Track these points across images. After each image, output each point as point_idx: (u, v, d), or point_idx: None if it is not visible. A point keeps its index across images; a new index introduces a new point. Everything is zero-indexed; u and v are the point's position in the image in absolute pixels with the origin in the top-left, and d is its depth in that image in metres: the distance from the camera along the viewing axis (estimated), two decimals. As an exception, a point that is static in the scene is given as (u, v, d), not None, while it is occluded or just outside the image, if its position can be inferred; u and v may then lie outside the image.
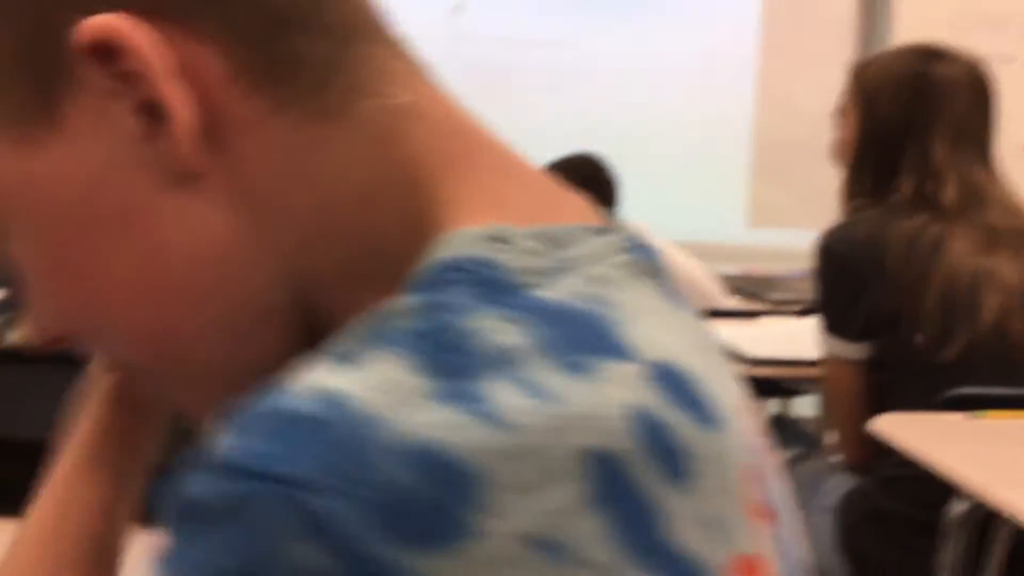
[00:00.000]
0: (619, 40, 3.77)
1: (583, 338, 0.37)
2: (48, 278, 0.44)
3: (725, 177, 3.80)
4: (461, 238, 0.40)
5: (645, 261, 0.43)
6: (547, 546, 0.32)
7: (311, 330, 0.43)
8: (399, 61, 0.45)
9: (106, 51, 0.39)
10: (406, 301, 0.37)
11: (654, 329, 0.39)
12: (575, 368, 0.35)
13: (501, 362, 0.35)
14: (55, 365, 1.00)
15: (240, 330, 0.43)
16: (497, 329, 0.35)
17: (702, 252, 2.78)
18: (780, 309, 2.75)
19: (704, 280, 2.68)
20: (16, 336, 1.06)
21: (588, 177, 2.53)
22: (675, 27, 3.80)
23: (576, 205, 0.46)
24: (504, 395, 0.34)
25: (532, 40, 3.75)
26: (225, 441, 0.34)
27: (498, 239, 0.39)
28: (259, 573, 0.32)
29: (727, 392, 0.41)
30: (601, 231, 0.43)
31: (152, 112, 0.40)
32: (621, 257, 0.42)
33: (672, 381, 0.37)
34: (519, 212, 0.42)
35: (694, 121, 3.74)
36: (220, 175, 0.41)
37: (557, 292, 0.38)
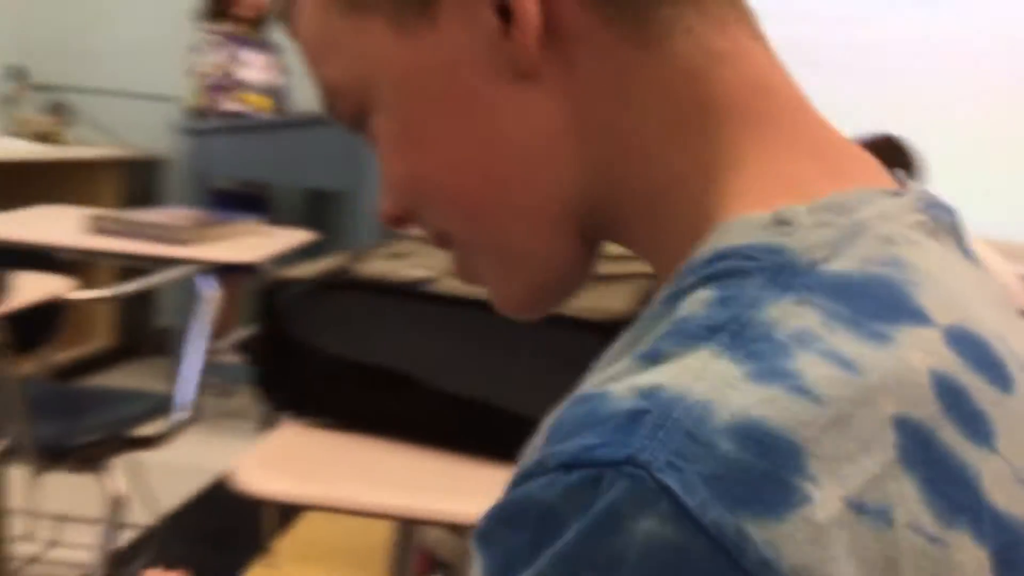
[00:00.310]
0: (921, 22, 3.61)
1: (880, 306, 0.38)
2: (396, 148, 0.49)
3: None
4: (746, 224, 0.41)
5: (940, 219, 0.44)
6: (872, 511, 0.33)
7: (591, 241, 0.49)
8: (725, 7, 0.46)
9: None
10: (701, 297, 0.39)
11: (949, 289, 0.40)
12: (876, 337, 0.36)
13: (805, 341, 0.36)
14: (406, 297, 1.09)
15: (540, 222, 0.48)
16: (794, 314, 0.37)
17: (1004, 251, 2.64)
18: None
19: (1012, 279, 2.55)
20: (370, 268, 1.12)
21: (890, 158, 2.48)
22: (980, 8, 3.64)
23: (869, 168, 0.47)
24: (814, 370, 0.35)
25: (834, 17, 3.64)
26: (553, 447, 0.35)
27: (783, 221, 0.40)
28: (615, 554, 0.32)
29: (1022, 351, 0.41)
30: (894, 193, 0.44)
31: (506, 14, 0.44)
32: (915, 216, 0.43)
33: (967, 343, 0.38)
34: (807, 179, 0.43)
35: (998, 106, 3.53)
36: (555, 76, 0.45)
37: (848, 261, 0.39)
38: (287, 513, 2.97)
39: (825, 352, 0.35)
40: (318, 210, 4.58)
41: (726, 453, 0.33)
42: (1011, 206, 3.47)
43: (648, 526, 0.32)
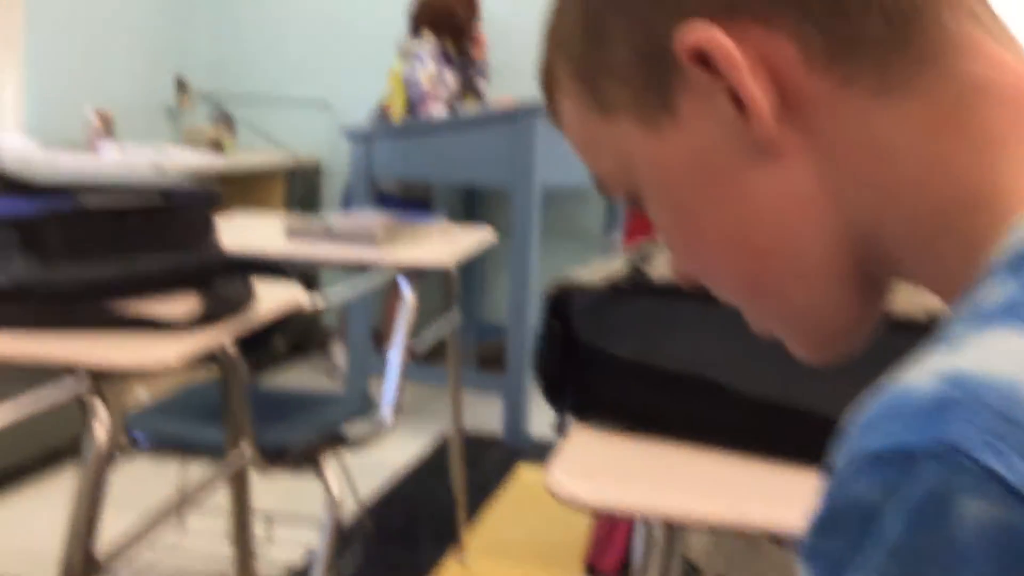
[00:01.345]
0: None
1: None
2: (670, 231, 0.53)
3: None
4: None
5: None
6: None
7: (871, 283, 0.50)
8: (971, 27, 0.46)
9: (701, 52, 0.46)
10: (996, 282, 0.39)
11: None
12: None
13: None
14: (693, 300, 1.09)
15: (816, 280, 0.49)
16: None
17: None
18: None
19: None
20: (655, 271, 1.16)
21: None
22: None
23: None
24: None
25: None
26: (863, 443, 0.35)
27: None
28: (949, 541, 0.32)
29: None
30: None
31: (739, 97, 0.46)
32: None
33: None
34: None
35: None
36: (798, 145, 0.47)
37: None
38: (473, 508, 3.01)
39: None
40: (476, 207, 4.63)
41: None
42: None
43: (977, 509, 0.32)
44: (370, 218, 2.68)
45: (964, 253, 0.44)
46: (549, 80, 0.56)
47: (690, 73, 0.47)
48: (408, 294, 2.43)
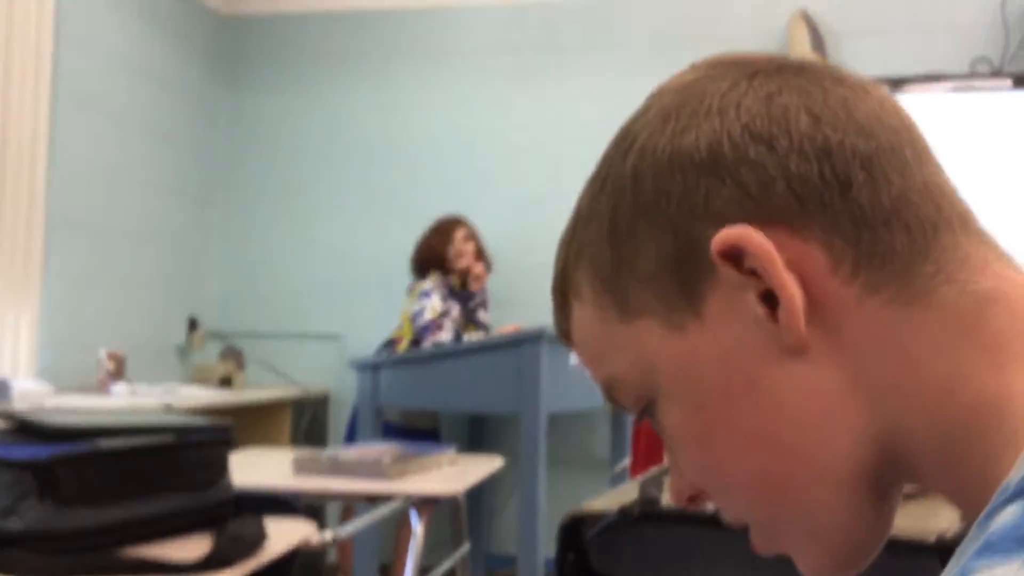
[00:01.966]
0: None
1: None
2: (684, 438, 0.53)
3: None
4: None
5: None
6: None
7: (887, 492, 0.51)
8: (981, 248, 0.49)
9: (735, 255, 0.48)
10: (1011, 511, 0.39)
11: None
12: None
13: None
14: (708, 526, 1.08)
15: (836, 487, 0.50)
16: None
17: None
18: None
19: None
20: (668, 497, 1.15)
21: None
22: None
23: None
24: None
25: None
26: None
27: None
28: None
29: None
30: None
31: (770, 299, 0.48)
32: None
33: None
34: None
35: None
36: (824, 347, 0.48)
37: None
38: None
39: None
40: (481, 433, 4.62)
41: None
42: None
43: None
44: (378, 449, 2.68)
45: (983, 463, 0.45)
46: (564, 287, 0.57)
47: (722, 273, 0.49)
48: (418, 526, 2.40)
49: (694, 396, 0.51)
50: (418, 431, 4.16)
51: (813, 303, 0.48)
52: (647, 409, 0.54)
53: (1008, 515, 0.39)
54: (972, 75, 3.96)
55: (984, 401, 0.46)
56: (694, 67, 0.55)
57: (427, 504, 2.49)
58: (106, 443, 1.47)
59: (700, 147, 0.50)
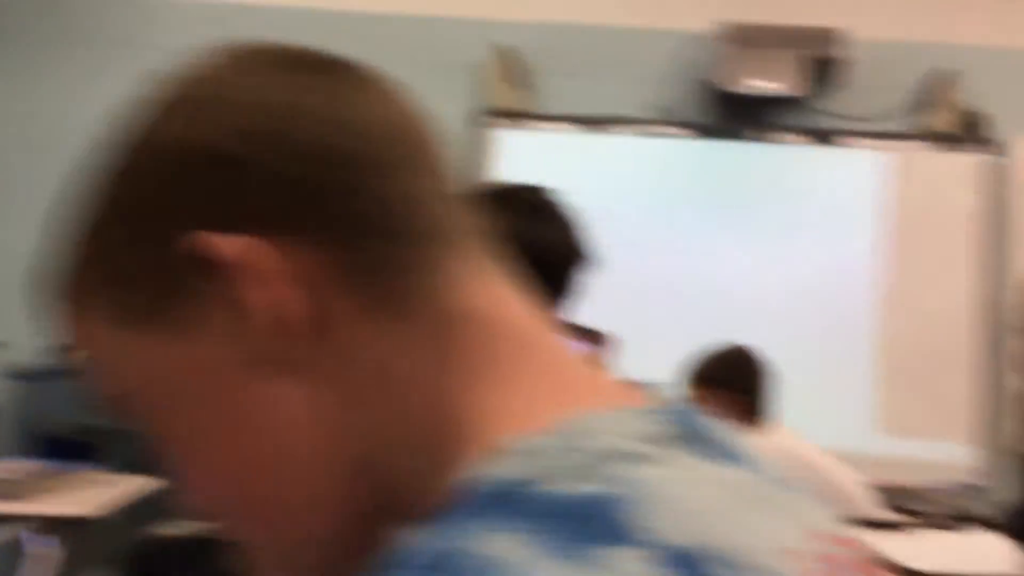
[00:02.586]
0: (744, 256, 3.91)
1: (591, 529, 0.38)
2: (171, 449, 0.50)
3: (852, 384, 3.83)
4: (486, 457, 0.42)
5: (683, 427, 0.45)
6: None
7: (390, 511, 0.47)
8: (470, 264, 0.49)
9: (215, 262, 0.45)
10: (425, 530, 0.39)
11: (684, 501, 0.40)
12: (578, 560, 0.37)
13: (511, 572, 0.36)
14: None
15: (322, 506, 0.47)
16: (506, 546, 0.37)
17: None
18: (930, 522, 2.81)
19: (852, 488, 2.63)
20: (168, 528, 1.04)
21: (741, 368, 2.58)
22: (797, 237, 3.95)
23: (617, 391, 0.48)
24: None
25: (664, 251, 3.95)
26: None
27: (520, 452, 0.42)
28: None
29: (775, 548, 0.41)
30: (639, 411, 0.45)
31: (251, 310, 0.45)
32: (655, 429, 0.44)
33: (687, 564, 0.38)
34: (550, 410, 0.44)
35: (820, 328, 3.83)
36: (313, 363, 0.46)
37: (575, 484, 0.40)
38: None
39: None
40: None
41: None
42: (837, 419, 3.74)
43: None
44: (13, 467, 2.46)
45: (444, 486, 0.43)
46: (68, 294, 0.51)
47: (202, 281, 0.46)
48: (43, 550, 2.21)
49: (172, 407, 0.48)
50: (84, 445, 3.88)
51: (305, 316, 0.45)
52: (150, 424, 0.50)
53: (414, 539, 0.39)
54: (658, 122, 4.19)
55: (457, 420, 0.45)
56: (210, 55, 0.51)
57: (68, 526, 2.30)
58: None
59: (192, 147, 0.47)
